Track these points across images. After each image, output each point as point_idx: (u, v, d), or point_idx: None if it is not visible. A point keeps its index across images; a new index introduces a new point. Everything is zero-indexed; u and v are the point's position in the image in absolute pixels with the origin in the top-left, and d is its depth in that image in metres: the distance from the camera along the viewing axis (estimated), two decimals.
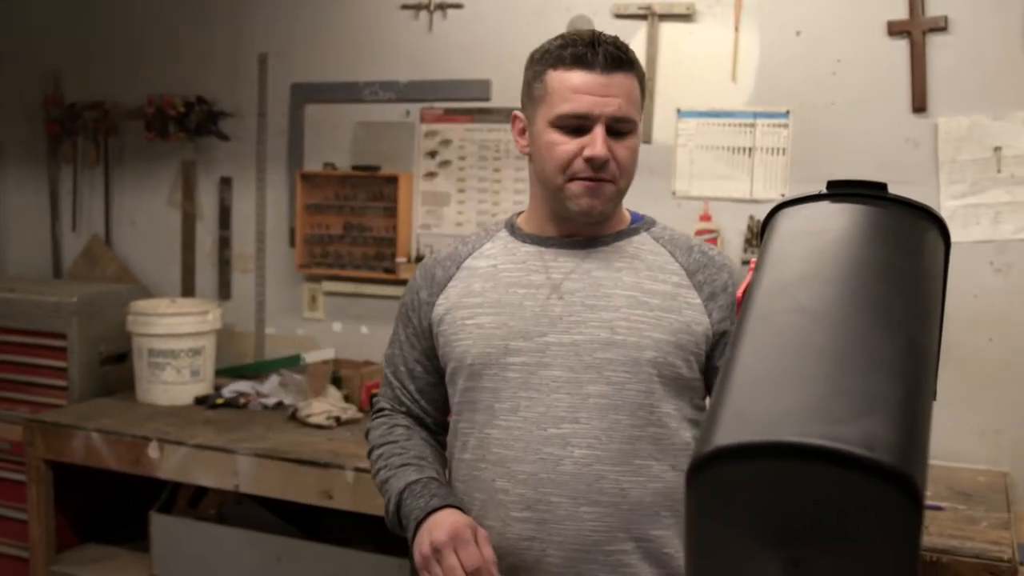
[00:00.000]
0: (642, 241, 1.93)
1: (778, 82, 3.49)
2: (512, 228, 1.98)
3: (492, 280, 1.91)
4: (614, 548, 1.80)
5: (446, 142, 3.95)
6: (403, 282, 3.95)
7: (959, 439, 3.27)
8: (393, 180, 3.97)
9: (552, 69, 1.81)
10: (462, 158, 3.94)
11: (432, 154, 3.97)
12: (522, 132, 1.92)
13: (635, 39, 3.58)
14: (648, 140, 3.58)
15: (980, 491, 3.04)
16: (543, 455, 1.80)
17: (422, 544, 1.73)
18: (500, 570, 1.77)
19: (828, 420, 0.89)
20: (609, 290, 1.85)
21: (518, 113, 1.93)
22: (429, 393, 2.04)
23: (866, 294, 1.09)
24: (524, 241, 1.93)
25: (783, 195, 3.44)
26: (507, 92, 3.83)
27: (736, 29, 3.49)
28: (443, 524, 1.73)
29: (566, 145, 1.80)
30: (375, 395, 2.18)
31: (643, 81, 1.86)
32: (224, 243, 4.37)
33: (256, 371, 4.25)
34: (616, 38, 1.84)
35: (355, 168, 4.05)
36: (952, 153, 3.26)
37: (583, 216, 1.85)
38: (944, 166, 3.27)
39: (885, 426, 0.89)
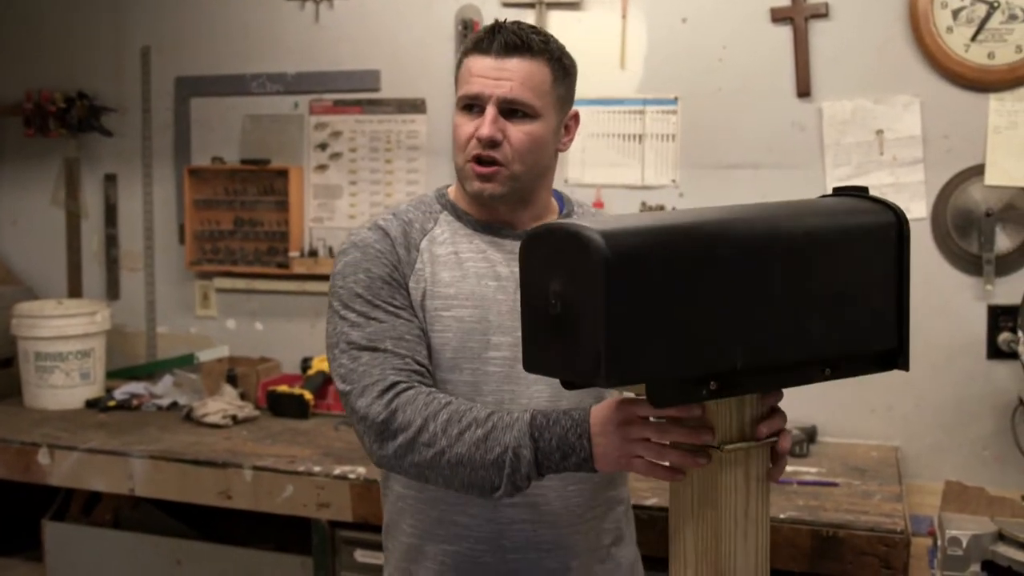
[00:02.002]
0: None
1: (666, 69, 3.52)
2: (456, 212, 1.95)
3: (459, 270, 1.88)
4: (590, 515, 1.91)
5: (336, 134, 3.91)
6: (297, 276, 3.93)
7: (852, 416, 3.35)
8: (283, 173, 3.92)
9: (464, 56, 1.88)
10: (353, 150, 3.90)
11: (322, 146, 3.93)
12: None
13: None
14: None
15: (873, 466, 3.12)
16: None
17: (625, 432, 1.56)
18: (489, 550, 1.86)
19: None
20: None
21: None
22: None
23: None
24: (476, 229, 1.93)
25: (674, 180, 3.49)
26: (396, 82, 3.82)
27: (624, 16, 3.51)
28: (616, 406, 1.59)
29: (465, 126, 1.85)
30: (388, 379, 1.78)
31: (559, 69, 1.90)
32: (111, 242, 4.27)
33: (149, 372, 4.17)
34: (524, 26, 1.87)
35: (244, 162, 3.99)
36: (836, 136, 3.33)
37: (478, 198, 1.87)
38: (829, 149, 3.34)
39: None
